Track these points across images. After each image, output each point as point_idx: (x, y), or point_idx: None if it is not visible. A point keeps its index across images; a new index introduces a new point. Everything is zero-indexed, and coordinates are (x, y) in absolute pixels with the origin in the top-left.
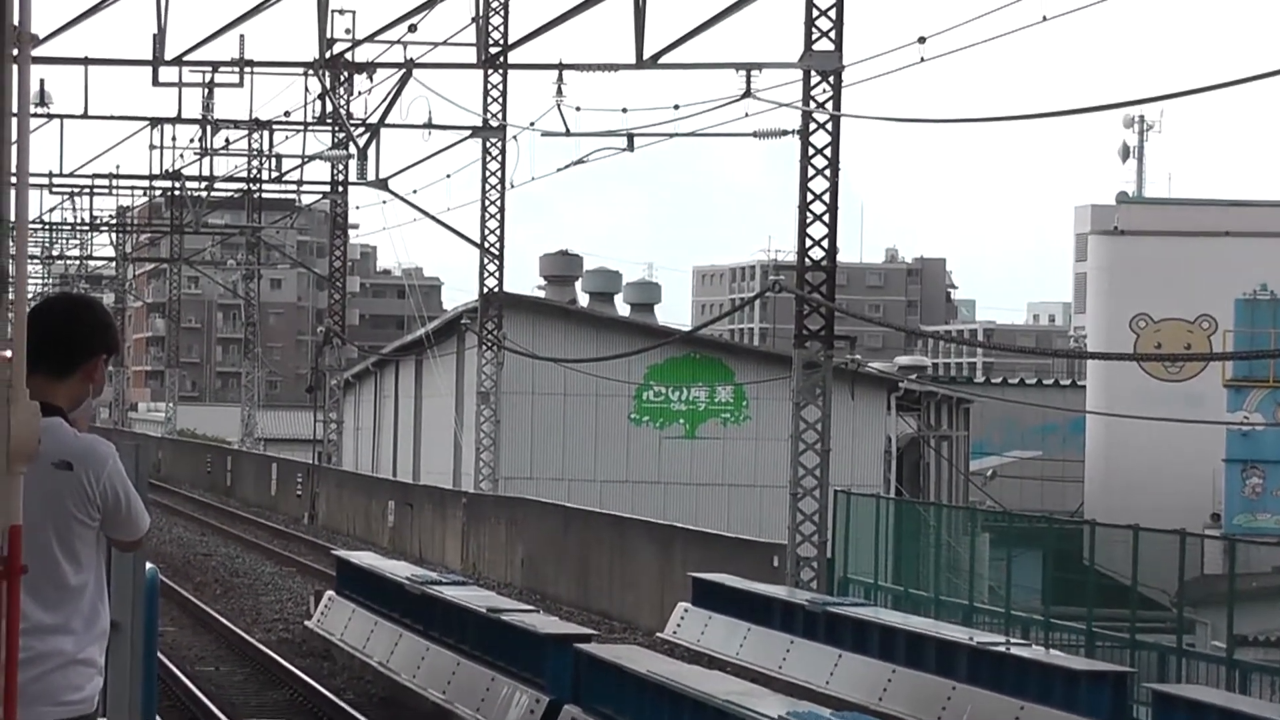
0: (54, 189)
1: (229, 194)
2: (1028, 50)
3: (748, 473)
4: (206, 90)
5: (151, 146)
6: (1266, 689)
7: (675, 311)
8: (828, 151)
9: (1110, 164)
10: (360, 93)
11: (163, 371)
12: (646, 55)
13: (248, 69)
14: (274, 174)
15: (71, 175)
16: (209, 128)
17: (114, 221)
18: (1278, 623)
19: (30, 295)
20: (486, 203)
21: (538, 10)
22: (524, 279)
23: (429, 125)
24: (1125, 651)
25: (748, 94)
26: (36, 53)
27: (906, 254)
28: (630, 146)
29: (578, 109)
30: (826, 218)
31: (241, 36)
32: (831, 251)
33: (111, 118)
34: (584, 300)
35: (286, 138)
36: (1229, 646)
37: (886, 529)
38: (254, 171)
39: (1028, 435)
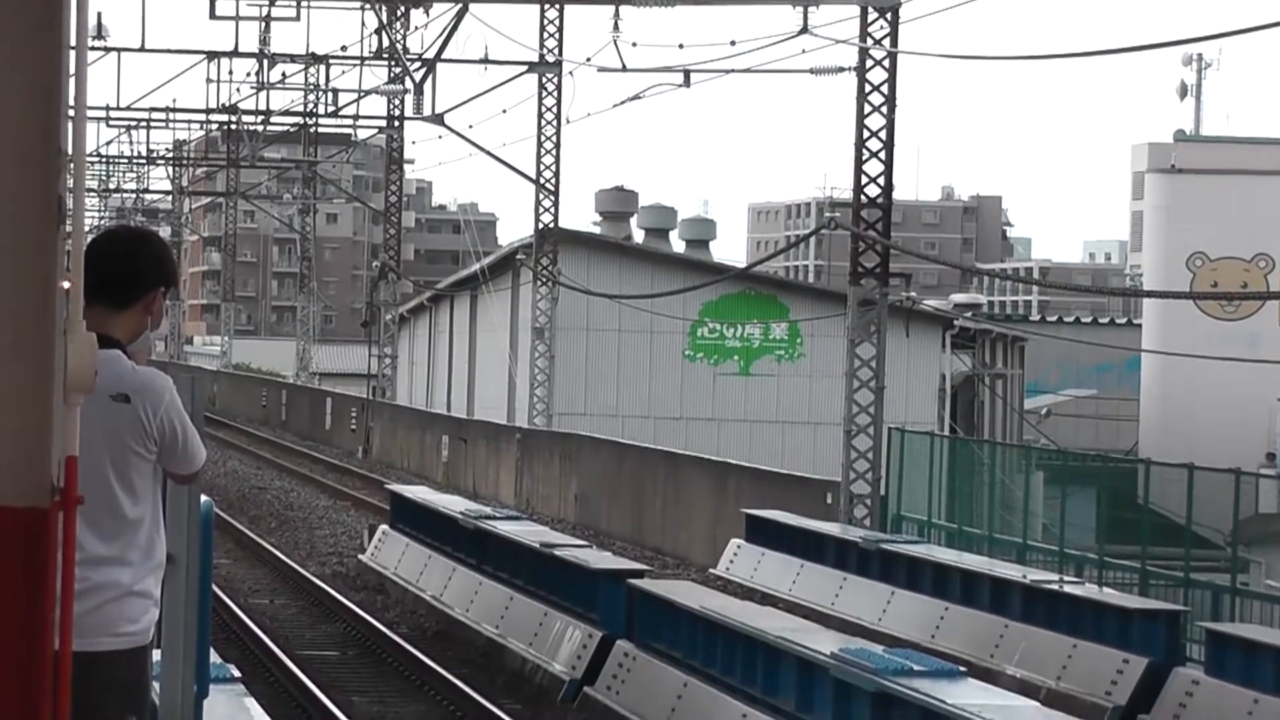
0: (111, 122)
1: (285, 128)
2: None
3: (802, 409)
4: (263, 24)
5: (208, 80)
6: None
7: (730, 248)
8: (884, 89)
9: (1168, 102)
10: (417, 27)
11: (218, 305)
12: None
13: (304, 3)
14: (330, 108)
15: (128, 109)
16: (265, 61)
17: (170, 155)
18: None
19: (87, 228)
20: (542, 138)
21: None
22: (580, 215)
23: (485, 60)
24: (1179, 590)
25: (805, 30)
26: None
27: (962, 192)
28: (686, 83)
29: (634, 45)
30: (883, 155)
31: None
32: (887, 189)
33: (168, 51)
34: (639, 236)
35: (343, 72)
36: None
37: (940, 467)
38: (310, 106)
39: (1083, 374)
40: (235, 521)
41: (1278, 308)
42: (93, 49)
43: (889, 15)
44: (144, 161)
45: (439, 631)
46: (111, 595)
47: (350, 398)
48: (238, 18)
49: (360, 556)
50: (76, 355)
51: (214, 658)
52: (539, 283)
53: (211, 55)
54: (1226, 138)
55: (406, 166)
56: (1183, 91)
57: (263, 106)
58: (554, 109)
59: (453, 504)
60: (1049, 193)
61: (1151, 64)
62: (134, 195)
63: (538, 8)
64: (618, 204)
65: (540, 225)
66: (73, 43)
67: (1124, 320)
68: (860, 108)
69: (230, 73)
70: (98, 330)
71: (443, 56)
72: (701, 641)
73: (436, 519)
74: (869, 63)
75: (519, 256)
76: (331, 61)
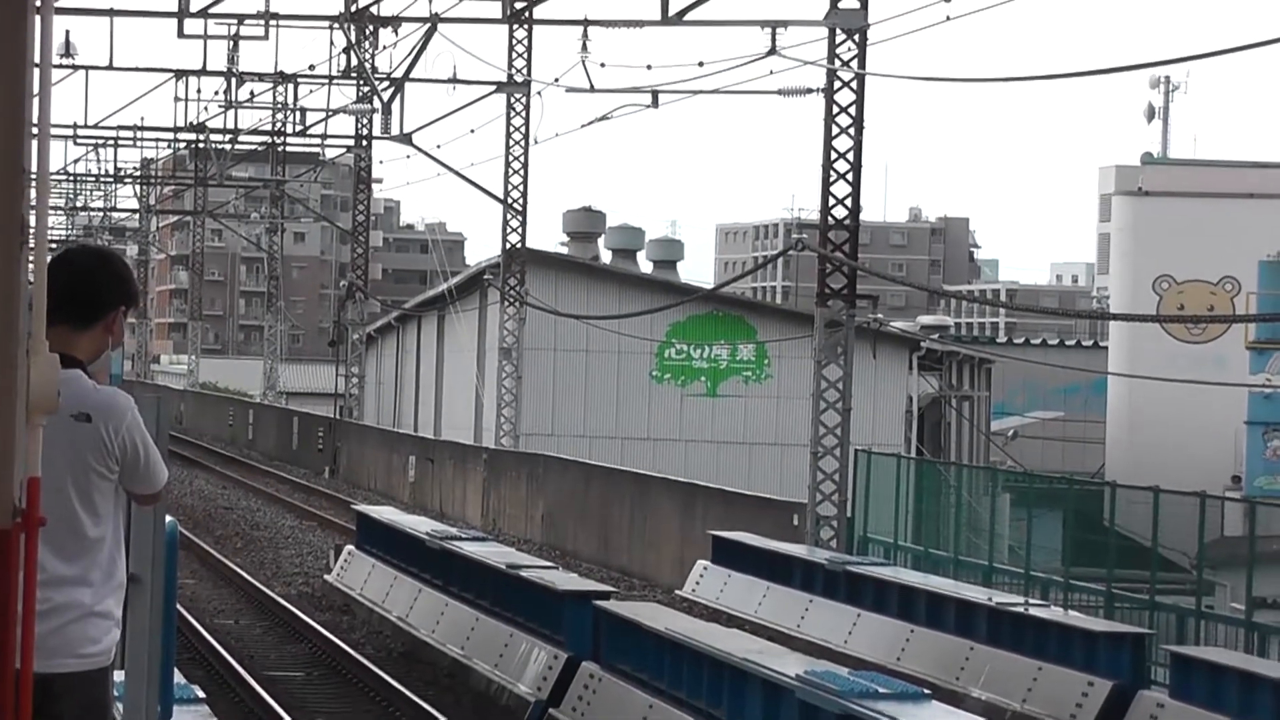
0: (78, 140)
1: (253, 147)
2: (1054, 9)
3: (769, 431)
4: (231, 43)
5: (176, 99)
6: None
7: (698, 269)
8: (852, 110)
9: (1135, 125)
10: (385, 46)
11: (185, 324)
12: (672, 11)
13: (273, 22)
14: (298, 127)
15: (96, 127)
16: (234, 80)
17: (138, 173)
18: None
19: (53, 246)
20: (510, 158)
21: None
22: (547, 235)
23: (453, 80)
24: (1144, 613)
25: (773, 51)
26: (62, 3)
27: (930, 213)
28: (655, 103)
29: (602, 65)
30: (850, 176)
31: None
32: (855, 210)
33: (136, 69)
34: (606, 257)
35: (311, 91)
36: (1248, 609)
37: (907, 488)
38: (278, 125)
39: (1049, 396)
40: (201, 541)
41: (1244, 331)
42: (60, 67)
43: (857, 37)
44: (112, 180)
45: (404, 652)
46: (73, 616)
47: (317, 417)
48: (206, 36)
49: (326, 577)
50: (39, 375)
51: (178, 678)
52: (506, 303)
53: (179, 74)
54: (1193, 160)
55: (374, 186)
56: (1150, 114)
57: (231, 125)
58: (522, 129)
59: (419, 524)
60: (1016, 214)
61: (1119, 86)
62: (101, 213)
63: (506, 28)
64: (585, 224)
65: (508, 245)
66: (37, 60)
67: (1091, 342)
68: (828, 129)
69: (198, 91)
70: (59, 350)
71: (411, 76)
72: (667, 663)
73: (403, 539)
74: (836, 84)
75: (486, 276)
76: (300, 80)
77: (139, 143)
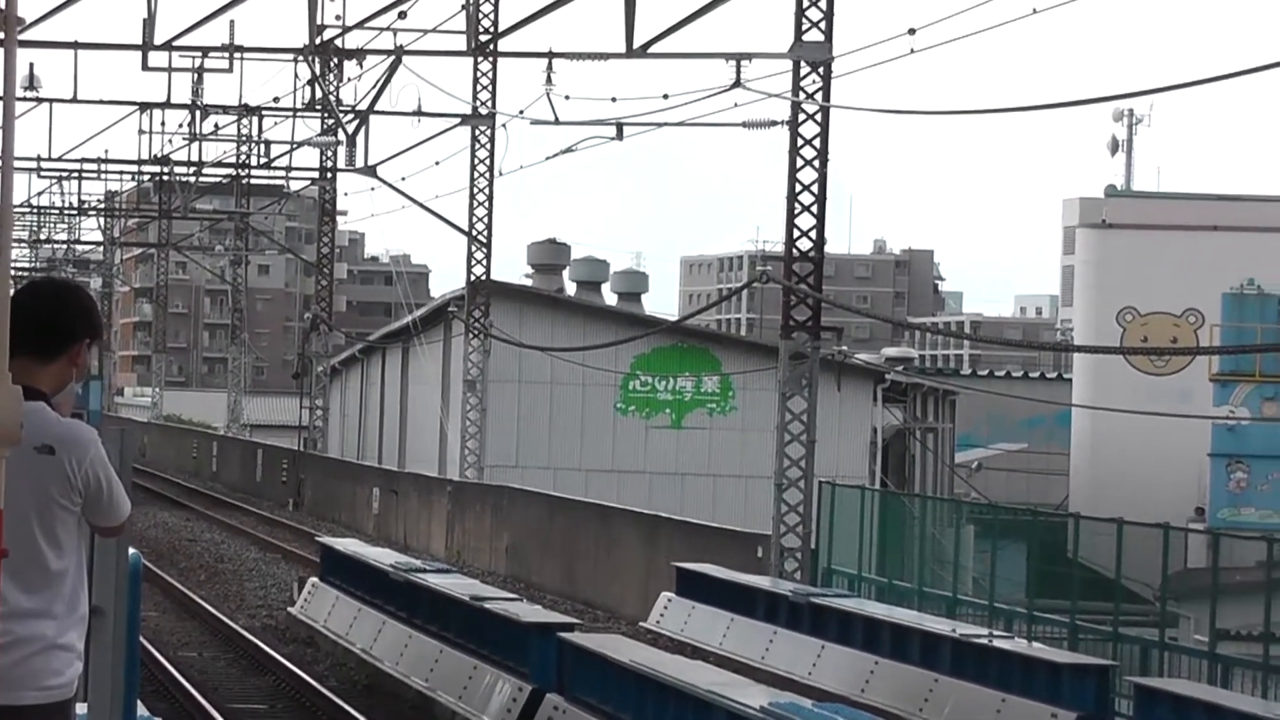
0: (42, 173)
1: (217, 179)
2: (1018, 43)
3: (733, 463)
4: (196, 75)
5: (140, 131)
6: (1249, 683)
7: (662, 301)
8: (817, 142)
9: (1099, 157)
10: (350, 79)
11: (149, 356)
12: (637, 44)
13: (237, 54)
14: (262, 160)
15: (60, 159)
16: (198, 113)
17: (102, 206)
18: (1260, 617)
19: (17, 279)
20: (475, 190)
21: None
22: (512, 267)
23: (418, 113)
24: (1108, 645)
25: (737, 84)
26: (25, 36)
27: (894, 245)
28: (619, 136)
29: (567, 98)
30: (815, 209)
31: (231, 22)
32: (819, 242)
33: (100, 102)
34: (571, 289)
35: (275, 123)
36: (1211, 640)
37: (871, 520)
38: (243, 157)
39: (1014, 428)
40: (164, 574)
41: (1208, 363)
42: (24, 99)
43: (821, 69)
44: (75, 212)
45: (369, 684)
46: (36, 648)
47: (281, 449)
48: (170, 69)
49: (290, 609)
50: (3, 407)
51: (141, 710)
52: (471, 335)
53: (144, 106)
54: (1157, 193)
55: (339, 218)
56: (1114, 147)
57: (195, 158)
58: (487, 161)
59: (383, 557)
60: (980, 247)
61: (1083, 119)
62: (65, 245)
63: (471, 60)
64: (550, 256)
65: (472, 277)
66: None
67: (1055, 375)
68: (792, 161)
69: (163, 124)
70: (23, 382)
71: (376, 108)
72: (632, 695)
73: (367, 572)
74: (801, 116)
75: (451, 309)
76: (264, 113)
77: (103, 175)
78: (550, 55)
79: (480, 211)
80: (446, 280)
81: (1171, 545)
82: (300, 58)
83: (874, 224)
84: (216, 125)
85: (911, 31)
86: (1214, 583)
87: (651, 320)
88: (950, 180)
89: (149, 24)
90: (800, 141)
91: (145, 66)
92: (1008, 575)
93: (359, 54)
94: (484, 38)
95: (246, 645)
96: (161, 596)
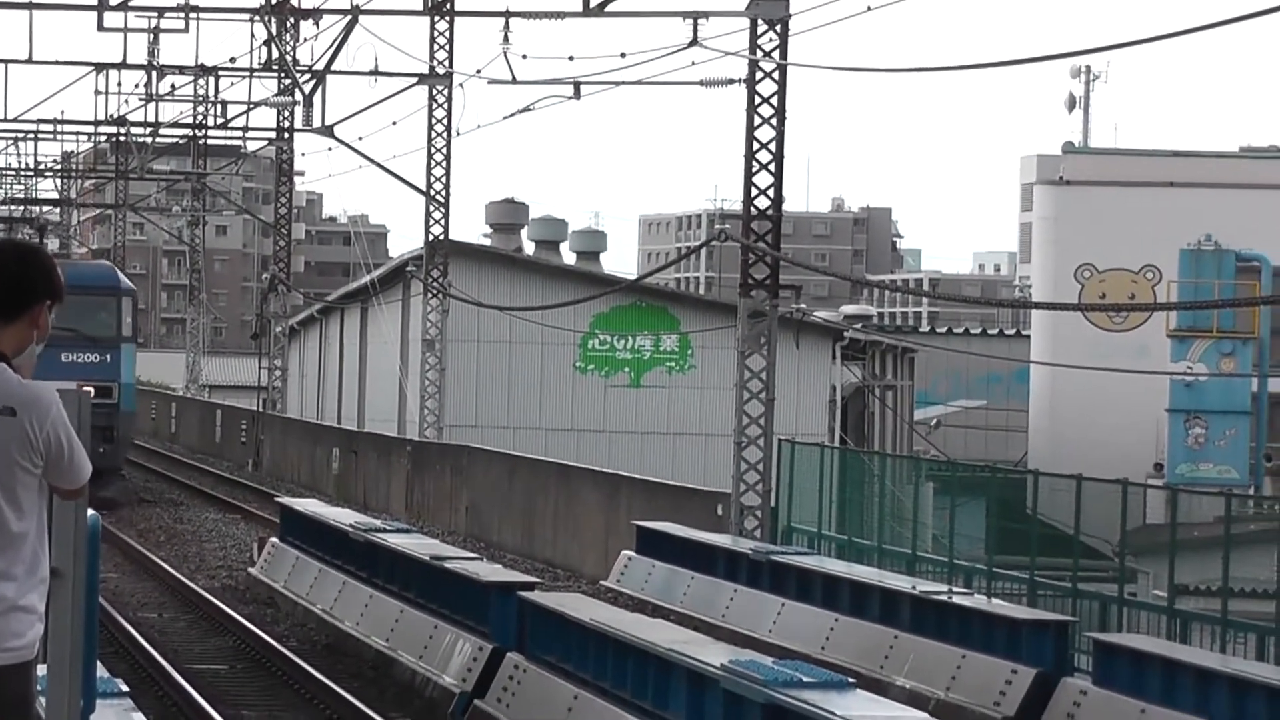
0: None
1: (174, 140)
2: (975, 0)
3: (693, 421)
4: (152, 36)
5: (96, 92)
6: (1207, 638)
7: (621, 260)
8: (774, 101)
9: (1057, 114)
10: (306, 39)
11: None
12: (593, 3)
13: (193, 14)
14: (219, 120)
15: (15, 120)
16: (154, 73)
17: (58, 167)
18: (1218, 572)
19: None
20: (432, 150)
21: None
22: (470, 227)
23: (375, 72)
24: (1067, 600)
25: (694, 43)
26: None
27: (853, 203)
28: (577, 95)
29: (524, 57)
30: (772, 167)
31: None
32: (777, 200)
33: (56, 63)
34: (530, 248)
35: (232, 84)
36: (1170, 596)
37: (830, 478)
38: (199, 117)
39: (972, 385)
40: (124, 535)
41: (1165, 319)
42: None
43: (778, 28)
44: (31, 173)
45: (329, 644)
46: None
47: (240, 410)
48: (126, 29)
49: (250, 570)
50: None
51: (101, 672)
52: (429, 295)
53: (100, 67)
54: (1114, 150)
55: (296, 178)
56: (1071, 104)
57: (151, 118)
58: (444, 121)
59: (343, 517)
60: (938, 204)
61: (1040, 76)
62: (21, 207)
63: (428, 19)
64: (508, 216)
65: (430, 237)
66: None
67: (1013, 331)
68: (750, 120)
69: (119, 85)
70: None
71: (332, 68)
72: (592, 654)
73: (327, 532)
74: (758, 75)
75: (409, 268)
76: (220, 73)
77: (59, 136)
78: (507, 15)
79: (438, 171)
80: (405, 240)
81: (1130, 501)
82: (257, 18)
83: (832, 182)
84: (173, 86)
85: None
86: (1172, 538)
87: (610, 279)
88: (908, 138)
89: None
90: (758, 100)
91: (101, 27)
92: (967, 532)
93: (315, 14)
94: None
95: (206, 606)
96: (121, 558)
